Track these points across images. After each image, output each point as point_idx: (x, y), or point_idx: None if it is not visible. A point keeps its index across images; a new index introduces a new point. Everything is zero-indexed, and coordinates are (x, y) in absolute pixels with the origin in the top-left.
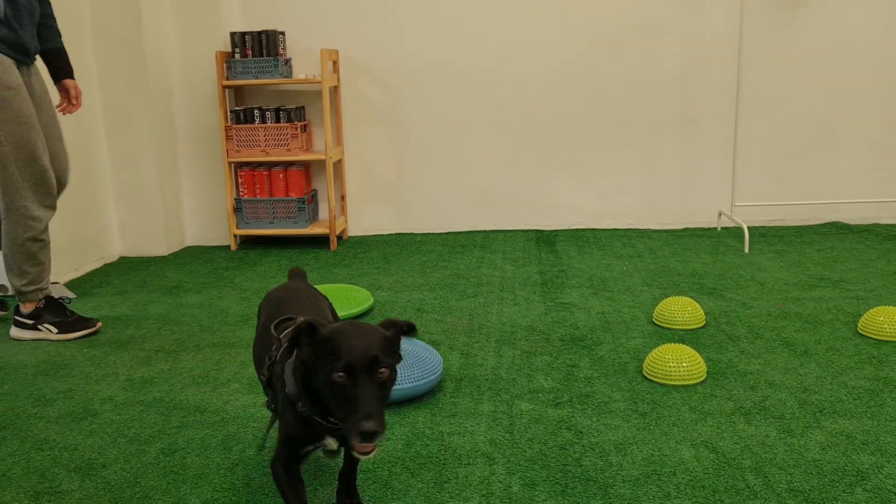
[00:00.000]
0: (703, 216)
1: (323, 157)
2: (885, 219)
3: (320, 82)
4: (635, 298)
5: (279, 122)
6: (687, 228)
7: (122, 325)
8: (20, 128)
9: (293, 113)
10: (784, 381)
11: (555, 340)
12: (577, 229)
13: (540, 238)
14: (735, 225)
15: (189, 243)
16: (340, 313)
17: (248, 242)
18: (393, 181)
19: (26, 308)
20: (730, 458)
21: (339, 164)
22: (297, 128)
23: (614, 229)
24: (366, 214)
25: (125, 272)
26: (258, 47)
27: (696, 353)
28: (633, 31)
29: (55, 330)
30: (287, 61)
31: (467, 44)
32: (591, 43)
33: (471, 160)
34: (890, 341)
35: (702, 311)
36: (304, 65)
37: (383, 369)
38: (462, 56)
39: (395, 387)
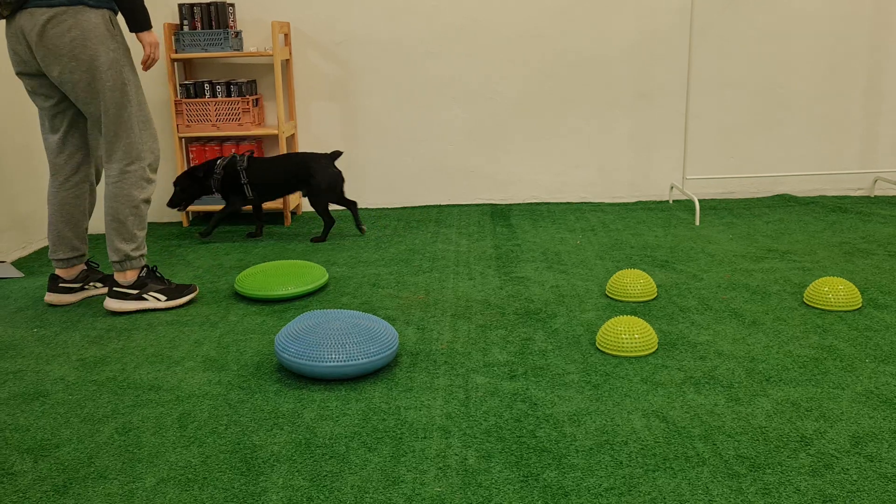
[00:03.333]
0: (656, 189)
1: (276, 131)
2: (831, 191)
3: (272, 55)
4: (589, 272)
5: (230, 97)
6: (640, 202)
7: (71, 305)
8: (139, 89)
9: (244, 87)
10: (732, 351)
11: (510, 314)
12: (531, 203)
13: (494, 212)
14: (686, 198)
15: None
16: (295, 290)
17: (199, 219)
18: (347, 156)
19: (127, 277)
20: (680, 426)
21: (291, 139)
22: (248, 102)
23: (568, 203)
24: None
25: None
26: (207, 19)
27: (648, 325)
28: (587, 5)
29: (163, 297)
30: (238, 34)
31: (421, 16)
32: (545, 16)
33: (425, 134)
34: (834, 311)
35: (653, 283)
36: (255, 38)
37: None
38: (416, 29)
39: (350, 362)
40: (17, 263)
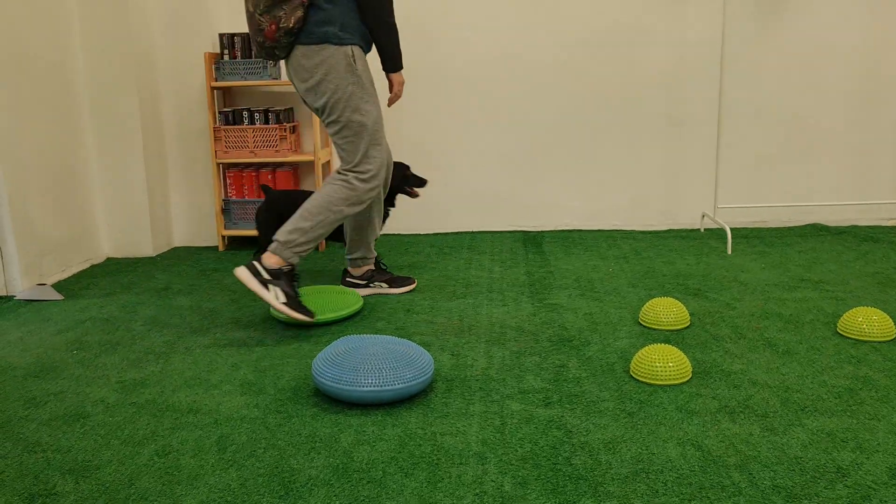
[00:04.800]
0: (688, 218)
1: (311, 158)
2: (863, 220)
3: None
4: (622, 299)
5: (268, 124)
6: (671, 230)
7: (111, 327)
8: (378, 110)
9: (282, 114)
10: (767, 380)
11: (543, 341)
12: (563, 230)
13: (527, 239)
14: (718, 226)
15: (177, 244)
16: (329, 315)
17: (235, 243)
18: None
19: (272, 261)
20: (715, 455)
21: (327, 166)
22: (285, 129)
23: (600, 230)
24: None
25: (112, 273)
26: (247, 48)
27: (682, 353)
28: (620, 34)
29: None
30: (276, 63)
31: (457, 45)
32: (579, 45)
33: (459, 161)
34: (868, 341)
35: (686, 311)
36: None
37: None
38: (452, 57)
39: (386, 387)
40: (58, 286)
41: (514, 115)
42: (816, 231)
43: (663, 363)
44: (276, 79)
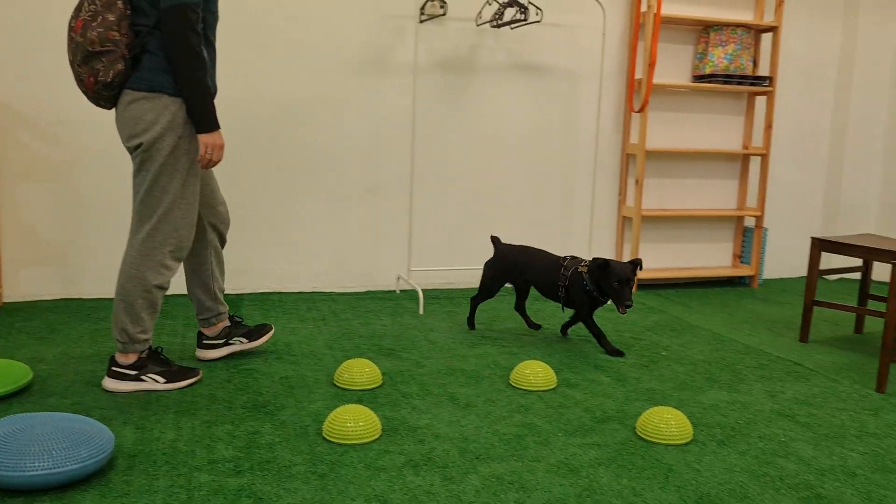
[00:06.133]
0: (385, 280)
1: None
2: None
3: None
4: (318, 361)
5: None
6: (369, 291)
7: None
8: (192, 181)
9: None
10: (448, 433)
11: (237, 408)
12: (263, 293)
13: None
14: (412, 288)
15: None
16: None
17: None
18: (61, 242)
19: (128, 358)
20: None
21: None
22: None
23: (300, 293)
24: (26, 279)
25: None
26: None
27: (372, 412)
28: (320, 103)
29: (162, 380)
30: None
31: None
32: (280, 109)
33: None
34: (534, 391)
35: (378, 371)
36: None
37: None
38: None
39: (57, 470)
40: None
41: None
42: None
43: (354, 422)
44: None
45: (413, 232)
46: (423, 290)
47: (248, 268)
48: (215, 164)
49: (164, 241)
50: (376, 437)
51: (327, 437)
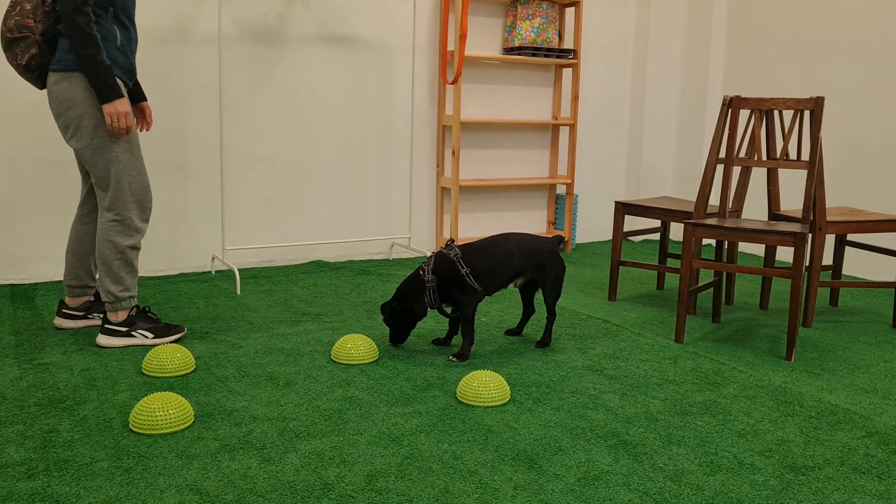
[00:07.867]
0: (199, 261)
1: None
2: (357, 255)
3: None
4: (123, 351)
5: None
6: (182, 274)
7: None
8: (133, 146)
9: None
10: (267, 414)
11: (30, 406)
12: (57, 281)
13: (15, 294)
14: (228, 268)
15: None
16: None
17: None
18: None
19: (118, 316)
20: (213, 496)
21: None
22: None
23: None
24: None
25: None
26: None
27: (183, 399)
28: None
29: (150, 335)
30: None
31: None
32: None
33: None
34: (356, 364)
35: (191, 355)
36: None
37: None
38: None
39: None
40: None
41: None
42: (318, 268)
43: (163, 411)
44: None
45: (226, 210)
46: (241, 270)
47: (38, 256)
48: (126, 131)
49: (126, 206)
50: (189, 424)
51: (134, 429)
